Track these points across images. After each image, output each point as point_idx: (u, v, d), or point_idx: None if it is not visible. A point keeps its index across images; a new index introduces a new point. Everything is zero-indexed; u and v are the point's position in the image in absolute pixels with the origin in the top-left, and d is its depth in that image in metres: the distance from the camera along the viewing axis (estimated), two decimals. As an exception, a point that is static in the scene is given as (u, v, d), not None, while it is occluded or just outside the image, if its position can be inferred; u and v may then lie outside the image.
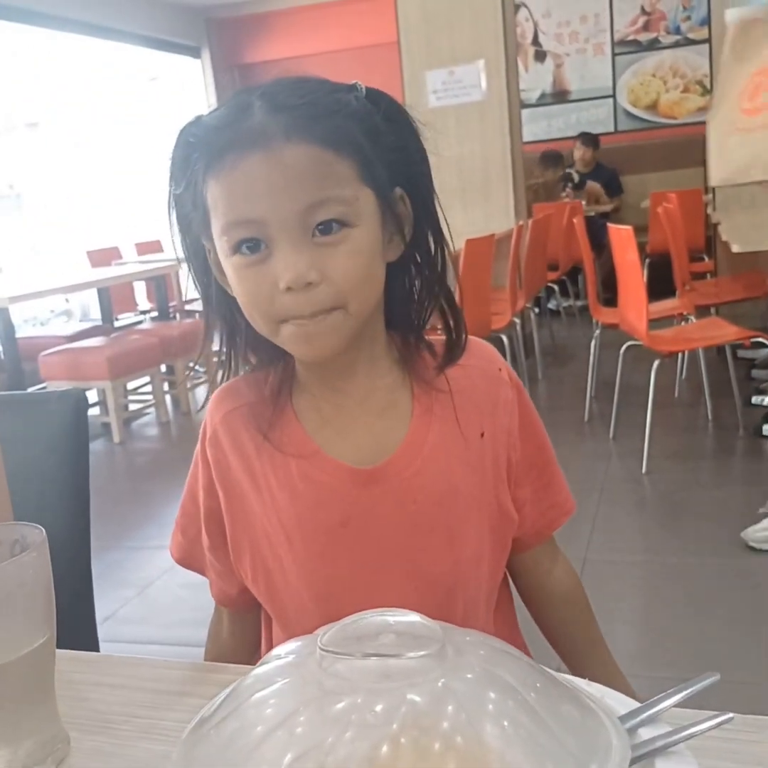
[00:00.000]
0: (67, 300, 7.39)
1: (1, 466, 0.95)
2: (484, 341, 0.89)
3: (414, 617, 0.45)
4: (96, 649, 1.20)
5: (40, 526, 0.65)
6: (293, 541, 0.81)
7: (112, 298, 5.68)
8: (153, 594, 2.76)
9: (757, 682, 1.98)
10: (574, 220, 4.24)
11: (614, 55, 7.26)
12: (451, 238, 0.84)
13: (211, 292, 0.82)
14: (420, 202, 0.80)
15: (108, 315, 5.65)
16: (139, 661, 0.78)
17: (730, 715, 0.45)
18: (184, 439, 4.51)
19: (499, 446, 0.85)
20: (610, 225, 3.66)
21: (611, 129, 7.32)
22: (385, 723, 0.40)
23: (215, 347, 0.87)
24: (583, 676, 0.90)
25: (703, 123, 5.34)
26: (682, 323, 3.88)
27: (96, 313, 6.05)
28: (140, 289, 6.57)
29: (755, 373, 4.15)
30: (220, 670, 0.74)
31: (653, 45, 7.18)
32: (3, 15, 6.08)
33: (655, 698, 0.48)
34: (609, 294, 4.33)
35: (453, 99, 5.11)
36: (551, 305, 6.41)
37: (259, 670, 0.47)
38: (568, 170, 6.98)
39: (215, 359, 0.87)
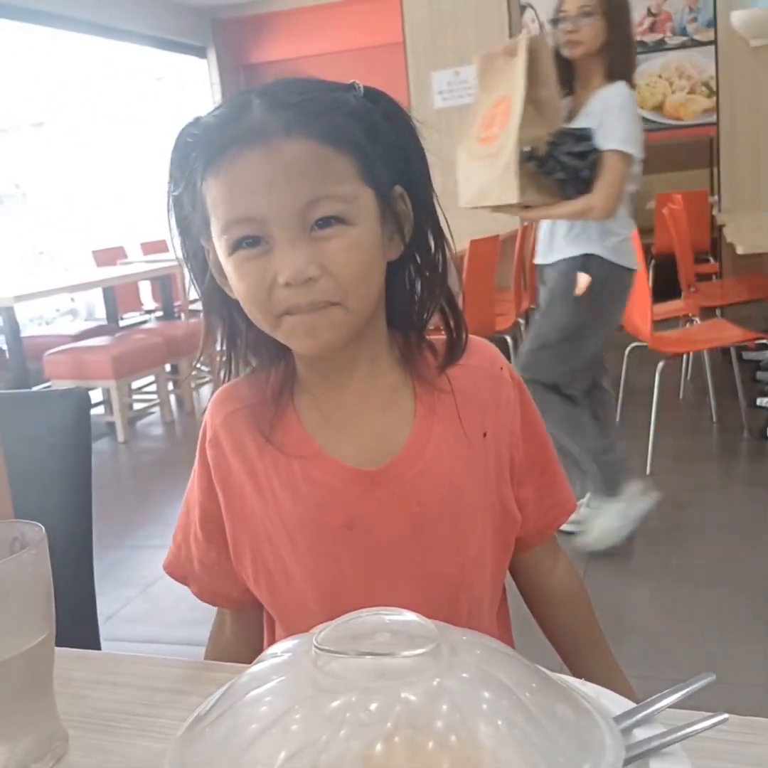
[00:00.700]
0: (72, 299, 7.40)
1: (2, 464, 0.95)
2: (485, 340, 0.89)
3: (409, 616, 0.45)
4: (98, 647, 1.20)
5: (40, 524, 0.65)
6: (296, 542, 0.81)
7: (118, 297, 5.69)
8: (155, 593, 2.77)
9: (760, 685, 1.98)
10: (579, 221, 4.23)
11: (620, 56, 7.25)
12: (452, 237, 0.84)
13: (211, 294, 0.82)
14: (420, 201, 0.80)
15: (113, 314, 5.66)
16: (137, 659, 0.78)
17: (725, 715, 0.45)
18: (188, 439, 4.51)
19: (502, 446, 0.85)
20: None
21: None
22: (379, 721, 0.40)
23: (218, 347, 0.87)
24: (583, 676, 0.91)
25: (710, 125, 5.35)
26: (687, 325, 3.88)
27: (101, 313, 6.06)
28: (145, 289, 6.58)
29: (760, 374, 4.14)
30: (219, 669, 0.74)
31: (659, 46, 7.16)
32: (10, 14, 6.10)
33: (651, 699, 0.48)
34: (614, 295, 4.32)
35: (458, 100, 5.11)
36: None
37: (255, 668, 0.47)
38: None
39: (219, 359, 0.87)
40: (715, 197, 5.26)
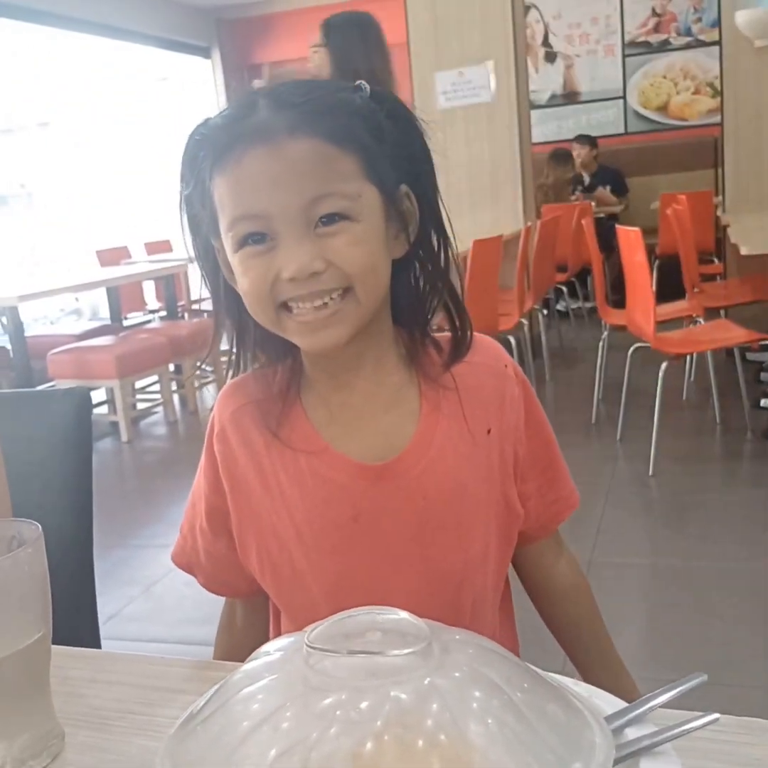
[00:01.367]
0: (76, 299, 7.41)
1: (1, 463, 0.96)
2: (489, 338, 0.90)
3: (401, 615, 0.46)
4: (98, 646, 1.20)
5: (36, 523, 0.65)
6: (303, 536, 0.82)
7: (121, 297, 5.70)
8: (158, 592, 2.77)
9: (761, 686, 1.97)
10: (583, 222, 4.23)
11: (625, 56, 7.24)
12: (454, 236, 0.85)
13: (220, 292, 0.83)
14: (424, 200, 0.81)
15: (117, 314, 5.67)
16: (134, 658, 0.79)
17: (716, 715, 0.45)
18: (191, 438, 4.52)
19: (506, 442, 0.86)
20: (618, 226, 3.66)
21: (621, 130, 7.31)
22: (369, 720, 0.40)
23: (224, 346, 0.88)
24: (586, 671, 0.91)
25: (714, 125, 5.34)
26: (691, 325, 3.87)
27: (105, 312, 6.07)
28: (149, 289, 6.59)
29: (764, 376, 4.13)
30: (215, 668, 0.74)
31: (664, 46, 7.17)
32: (15, 15, 6.12)
33: (643, 698, 0.48)
34: (618, 295, 4.31)
35: (462, 100, 5.11)
36: (560, 307, 6.40)
37: (248, 666, 0.47)
38: (577, 172, 6.97)
39: (223, 359, 0.88)
40: (720, 197, 5.26)
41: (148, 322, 6.18)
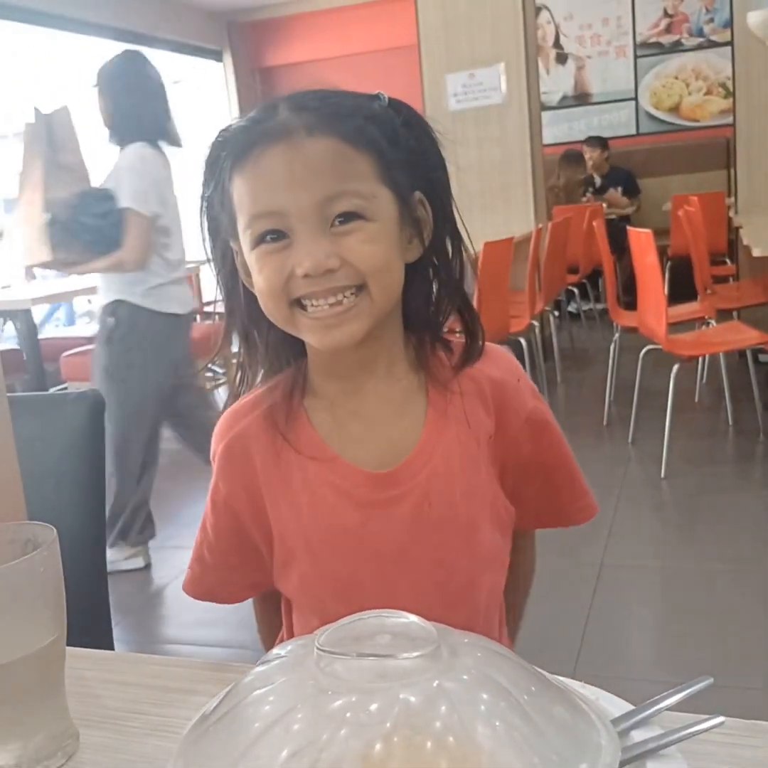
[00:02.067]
0: (89, 301, 7.44)
1: (16, 466, 0.97)
2: (504, 349, 0.91)
3: (410, 618, 0.46)
4: (111, 647, 1.21)
5: (51, 526, 0.66)
6: (311, 541, 0.83)
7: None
8: (174, 593, 2.79)
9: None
10: (594, 223, 4.23)
11: (636, 57, 7.22)
12: (471, 243, 0.86)
13: (235, 295, 0.85)
14: (439, 207, 0.82)
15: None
16: (147, 659, 0.79)
17: (721, 718, 0.45)
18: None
19: (502, 448, 0.87)
20: (629, 228, 3.65)
21: (633, 131, 7.29)
22: (378, 722, 0.41)
23: (235, 349, 0.89)
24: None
25: (727, 126, 5.33)
26: (703, 327, 3.86)
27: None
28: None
29: (776, 377, 4.12)
30: (227, 669, 0.75)
31: (676, 47, 7.15)
32: (27, 19, 6.16)
33: (649, 701, 0.48)
34: (630, 297, 4.30)
35: (473, 102, 5.11)
36: (571, 308, 6.39)
37: (259, 668, 0.48)
38: (589, 174, 6.96)
39: (234, 361, 0.89)
40: (733, 199, 5.24)
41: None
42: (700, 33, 7.08)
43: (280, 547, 0.85)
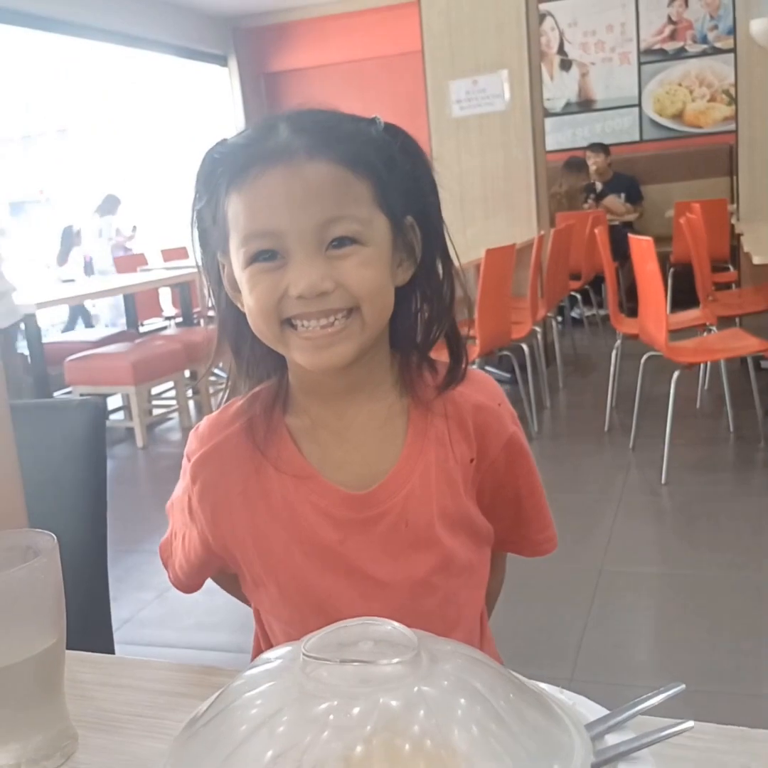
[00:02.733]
0: (93, 305, 7.48)
1: (17, 472, 0.99)
2: (486, 375, 0.93)
3: (392, 626, 0.48)
4: (111, 651, 1.23)
5: (51, 533, 0.68)
6: (292, 556, 0.84)
7: (138, 303, 5.76)
8: (171, 597, 2.80)
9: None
10: (596, 230, 4.24)
11: (640, 64, 7.25)
12: (461, 268, 0.88)
13: (222, 307, 0.85)
14: (431, 232, 0.83)
15: (133, 321, 5.72)
16: (144, 663, 0.81)
17: (691, 723, 0.47)
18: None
19: (485, 473, 0.88)
20: (630, 236, 3.67)
21: (636, 138, 7.32)
22: (360, 725, 0.43)
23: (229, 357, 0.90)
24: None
25: (730, 132, 5.34)
26: (704, 334, 3.87)
27: (122, 319, 6.13)
28: (165, 295, 6.65)
29: (777, 384, 4.13)
30: (220, 673, 0.77)
31: (679, 54, 7.17)
32: (35, 24, 6.20)
33: (624, 706, 0.50)
34: (633, 303, 4.32)
35: (476, 108, 5.13)
36: (574, 314, 6.41)
37: (248, 672, 0.50)
38: (592, 180, 6.98)
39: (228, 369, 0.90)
40: (735, 206, 5.25)
41: (164, 328, 6.23)
42: (704, 40, 7.10)
43: (256, 560, 0.86)
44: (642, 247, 3.43)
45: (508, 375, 4.57)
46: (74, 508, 1.18)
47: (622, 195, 6.93)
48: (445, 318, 0.86)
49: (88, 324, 7.54)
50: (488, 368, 4.87)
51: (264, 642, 0.95)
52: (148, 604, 2.78)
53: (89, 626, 1.19)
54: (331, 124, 0.78)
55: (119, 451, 4.57)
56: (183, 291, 5.64)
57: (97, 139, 8.96)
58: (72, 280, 6.31)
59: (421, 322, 0.86)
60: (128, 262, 6.45)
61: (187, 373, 5.05)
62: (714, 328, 3.80)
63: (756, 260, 3.24)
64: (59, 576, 0.68)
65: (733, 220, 5.19)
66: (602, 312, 6.25)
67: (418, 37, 5.26)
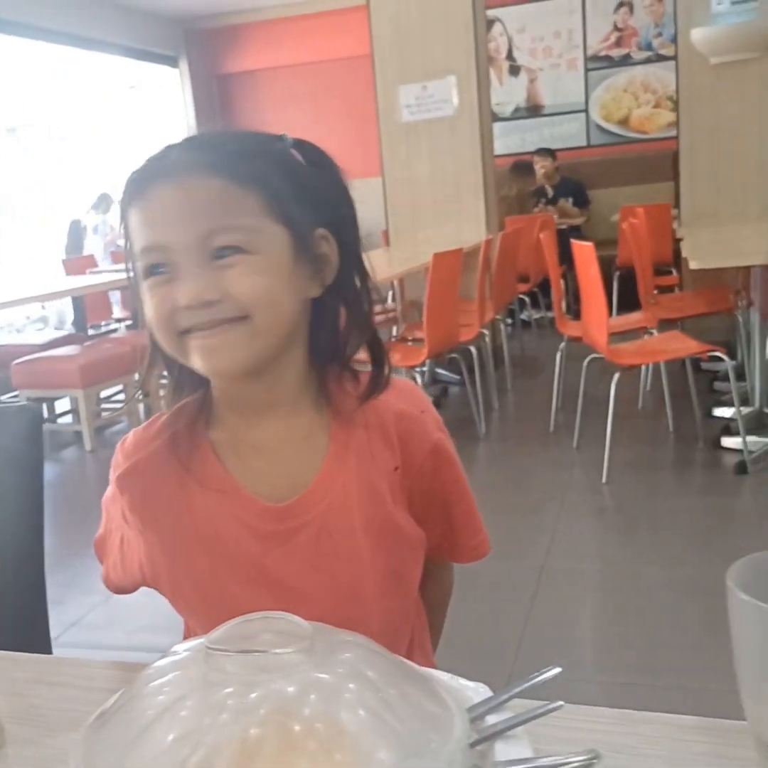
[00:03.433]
0: (43, 307, 7.40)
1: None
2: (411, 383, 0.96)
3: (289, 618, 0.52)
4: (49, 652, 1.25)
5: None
6: (217, 569, 0.86)
7: (87, 306, 5.71)
8: (119, 600, 2.80)
9: (707, 689, 2.05)
10: (541, 235, 4.32)
11: (587, 70, 7.39)
12: (375, 279, 0.90)
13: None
14: (346, 245, 0.86)
15: (82, 323, 5.68)
16: (77, 662, 0.84)
17: (560, 703, 0.52)
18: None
19: (409, 480, 0.89)
20: (573, 240, 3.75)
21: (584, 143, 7.45)
22: (255, 709, 0.47)
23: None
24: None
25: (674, 138, 5.47)
26: (645, 336, 3.97)
27: (71, 321, 6.08)
28: (115, 298, 6.60)
29: (717, 385, 4.25)
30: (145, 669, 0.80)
31: (625, 61, 7.32)
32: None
33: (505, 689, 0.54)
34: (580, 306, 4.41)
35: (426, 113, 5.20)
36: (523, 316, 6.51)
37: (157, 663, 0.53)
38: (540, 184, 7.09)
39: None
40: (677, 211, 5.38)
41: (114, 331, 6.19)
42: (648, 47, 7.25)
43: (183, 576, 0.88)
44: (584, 251, 3.52)
45: (457, 377, 4.63)
46: (11, 513, 1.20)
47: (570, 199, 7.05)
48: (365, 328, 0.88)
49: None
50: (438, 370, 4.94)
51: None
52: (95, 607, 2.78)
53: (27, 628, 1.21)
54: (221, 141, 0.82)
55: (67, 454, 4.54)
56: (133, 293, 5.60)
57: (46, 139, 8.85)
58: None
59: (342, 335, 0.88)
60: (77, 263, 6.40)
61: (136, 376, 5.02)
62: (654, 330, 3.90)
63: (692, 265, 3.34)
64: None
65: (675, 225, 5.32)
66: (550, 314, 6.36)
67: (367, 41, 5.31)
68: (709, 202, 5.07)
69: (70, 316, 6.29)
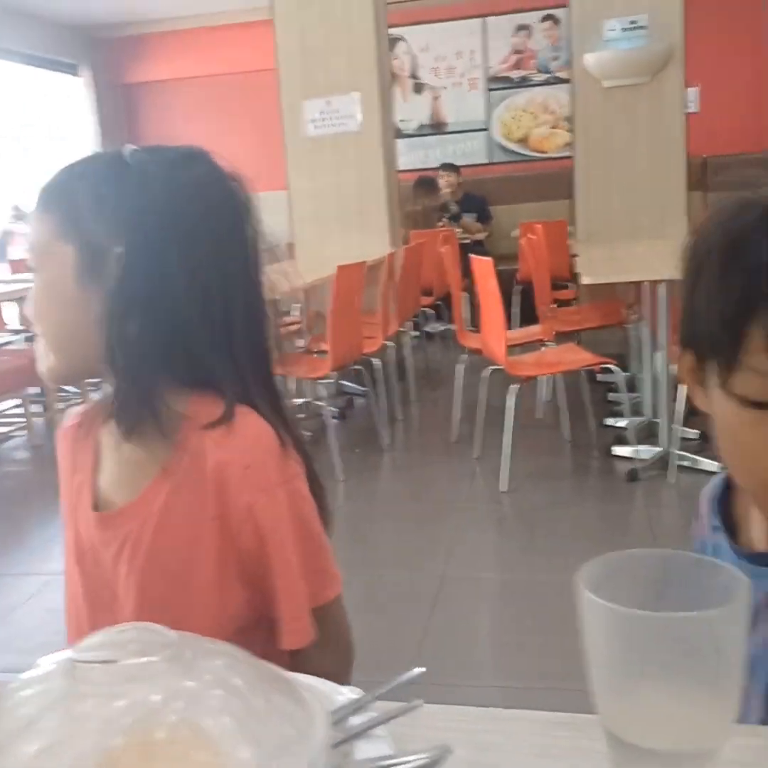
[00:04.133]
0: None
1: None
2: (262, 430, 0.87)
3: (155, 627, 0.53)
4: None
5: None
6: (70, 555, 0.94)
7: (-19, 318, 5.53)
8: (17, 619, 2.73)
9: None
10: (443, 250, 4.41)
11: (488, 90, 7.56)
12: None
13: None
14: (145, 257, 0.84)
15: (-24, 335, 5.50)
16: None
17: (419, 702, 0.54)
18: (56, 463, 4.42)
19: (228, 533, 0.86)
20: (472, 256, 3.84)
21: (485, 160, 7.62)
22: (120, 717, 0.48)
23: None
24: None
25: (570, 157, 5.66)
26: (543, 349, 4.09)
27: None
28: (11, 309, 6.40)
29: (611, 396, 4.40)
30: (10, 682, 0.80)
31: (524, 82, 7.53)
32: None
33: (369, 692, 0.57)
34: (480, 319, 4.50)
35: (330, 128, 5.23)
36: (428, 329, 6.60)
37: (25, 675, 0.54)
38: (446, 201, 7.21)
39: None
40: (573, 227, 5.56)
41: (9, 343, 6.00)
42: (546, 69, 7.48)
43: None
44: (482, 266, 3.60)
45: (363, 389, 4.67)
46: None
47: (473, 215, 7.20)
48: (175, 342, 0.85)
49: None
50: (343, 383, 4.96)
51: None
52: (-13, 628, 2.69)
53: None
54: (63, 168, 0.88)
55: (-40, 471, 4.38)
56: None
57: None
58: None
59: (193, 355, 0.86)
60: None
61: (34, 390, 4.89)
62: (552, 343, 4.02)
63: (584, 280, 3.47)
64: None
65: (571, 242, 5.49)
66: (454, 327, 6.46)
67: (272, 55, 5.32)
68: (602, 220, 5.26)
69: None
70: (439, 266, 5.86)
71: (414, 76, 7.64)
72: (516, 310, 5.84)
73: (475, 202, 7.24)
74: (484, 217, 7.25)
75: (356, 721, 0.54)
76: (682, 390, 3.40)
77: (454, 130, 7.65)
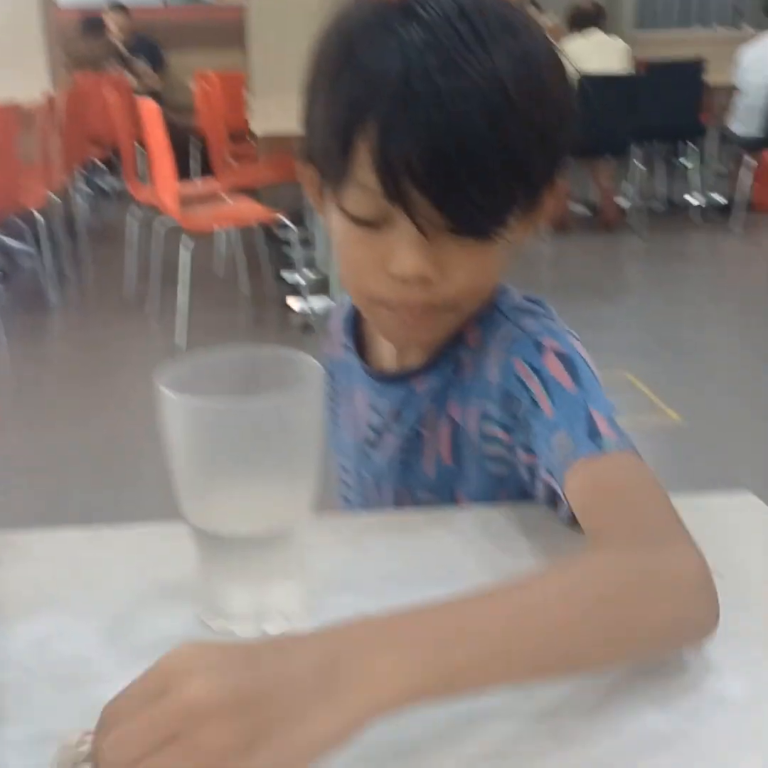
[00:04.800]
0: None
1: None
2: None
3: None
4: None
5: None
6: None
7: None
8: None
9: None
10: (111, 100, 4.10)
11: None
12: None
13: None
14: None
15: None
16: None
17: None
18: None
19: None
20: (139, 99, 3.63)
21: (159, 3, 7.10)
22: None
23: None
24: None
25: (241, 7, 5.41)
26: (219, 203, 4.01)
27: None
28: None
29: (287, 250, 4.44)
30: None
31: None
32: None
33: None
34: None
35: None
36: (104, 185, 6.22)
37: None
38: (113, 42, 6.66)
39: None
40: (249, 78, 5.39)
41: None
42: None
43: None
44: (150, 113, 3.42)
45: (30, 249, 4.33)
46: None
47: (145, 58, 6.72)
48: None
49: None
50: (2, 238, 4.56)
51: None
52: None
53: None
54: None
55: None
56: None
57: None
58: None
59: None
60: None
61: None
62: (227, 198, 3.95)
63: (257, 133, 3.42)
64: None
65: (248, 94, 5.33)
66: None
67: None
68: (279, 70, 5.13)
69: None
70: (110, 116, 5.47)
71: None
72: (196, 166, 5.63)
73: (146, 46, 6.74)
74: (156, 64, 6.79)
75: None
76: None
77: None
